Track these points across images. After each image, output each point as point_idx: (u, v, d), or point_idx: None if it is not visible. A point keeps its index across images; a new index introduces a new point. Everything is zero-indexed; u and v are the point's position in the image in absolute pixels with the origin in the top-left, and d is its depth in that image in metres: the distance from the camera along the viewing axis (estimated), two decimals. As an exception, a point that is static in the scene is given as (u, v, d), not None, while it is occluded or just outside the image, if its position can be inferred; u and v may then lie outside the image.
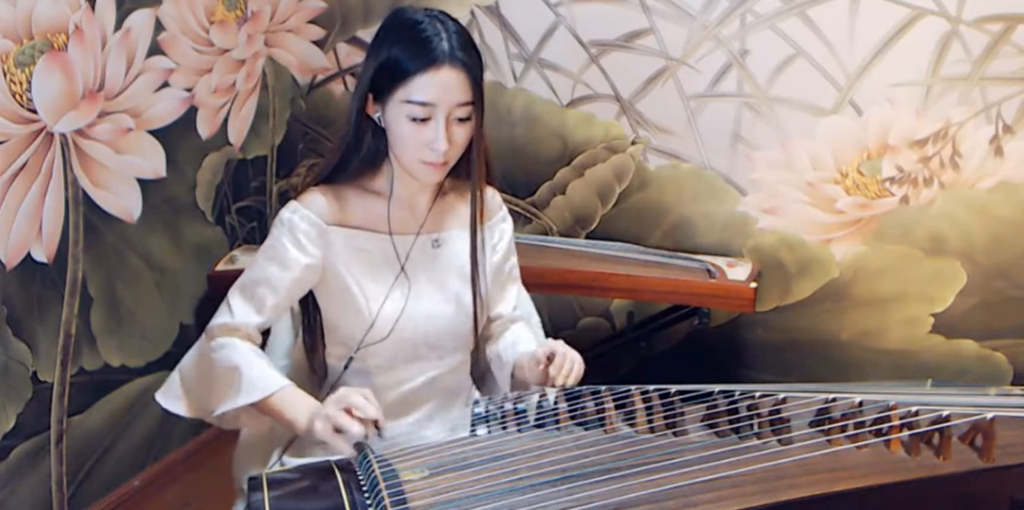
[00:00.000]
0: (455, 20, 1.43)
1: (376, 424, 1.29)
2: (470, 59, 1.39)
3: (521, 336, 1.60)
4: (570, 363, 1.42)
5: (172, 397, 1.48)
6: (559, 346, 1.44)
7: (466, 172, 1.51)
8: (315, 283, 1.50)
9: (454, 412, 1.61)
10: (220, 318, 1.45)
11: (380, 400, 1.36)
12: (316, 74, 2.68)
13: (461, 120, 1.40)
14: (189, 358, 1.48)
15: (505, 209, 1.65)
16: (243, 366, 1.38)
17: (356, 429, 1.26)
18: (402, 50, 1.38)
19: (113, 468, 2.22)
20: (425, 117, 1.38)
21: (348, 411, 1.28)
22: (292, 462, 1.52)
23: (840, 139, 2.31)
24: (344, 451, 1.29)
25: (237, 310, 1.45)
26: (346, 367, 1.54)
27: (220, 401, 1.38)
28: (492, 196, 1.61)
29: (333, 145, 1.52)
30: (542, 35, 2.45)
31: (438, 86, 1.37)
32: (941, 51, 2.19)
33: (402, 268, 1.51)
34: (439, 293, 1.53)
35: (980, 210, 2.27)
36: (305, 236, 1.45)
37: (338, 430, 1.27)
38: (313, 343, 1.56)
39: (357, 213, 1.49)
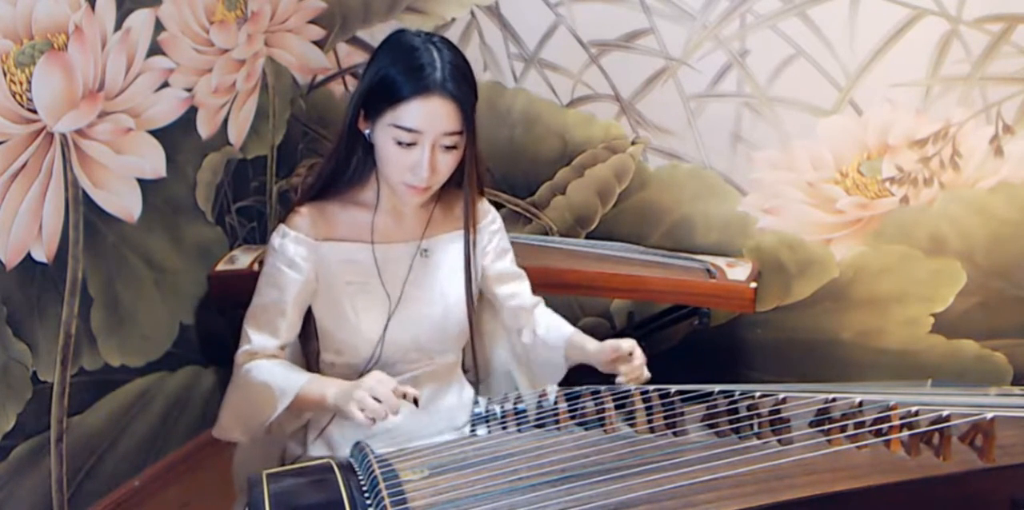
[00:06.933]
0: (453, 47, 1.44)
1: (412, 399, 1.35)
2: (460, 90, 1.40)
3: (553, 319, 1.67)
4: (640, 369, 1.48)
5: (225, 429, 1.52)
6: (637, 349, 1.51)
7: (455, 182, 1.53)
8: (315, 293, 1.53)
9: (447, 401, 1.64)
10: (242, 346, 1.51)
11: None
12: (316, 74, 2.68)
13: (447, 148, 1.43)
14: (229, 389, 1.53)
15: (494, 213, 1.68)
16: (270, 380, 1.44)
17: (380, 415, 1.30)
18: (396, 73, 1.40)
19: (113, 468, 2.22)
20: (411, 142, 1.41)
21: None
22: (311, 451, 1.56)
23: (840, 139, 2.31)
24: (364, 423, 1.32)
25: (255, 339, 1.51)
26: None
27: (267, 414, 1.44)
28: (481, 203, 1.64)
29: (323, 159, 1.56)
30: (542, 35, 2.45)
31: (426, 114, 1.39)
32: (941, 51, 2.19)
33: (404, 283, 1.54)
34: (429, 300, 1.57)
35: (980, 210, 2.27)
36: (297, 256, 1.49)
37: (362, 408, 1.31)
38: (306, 336, 1.60)
39: (344, 226, 1.53)
